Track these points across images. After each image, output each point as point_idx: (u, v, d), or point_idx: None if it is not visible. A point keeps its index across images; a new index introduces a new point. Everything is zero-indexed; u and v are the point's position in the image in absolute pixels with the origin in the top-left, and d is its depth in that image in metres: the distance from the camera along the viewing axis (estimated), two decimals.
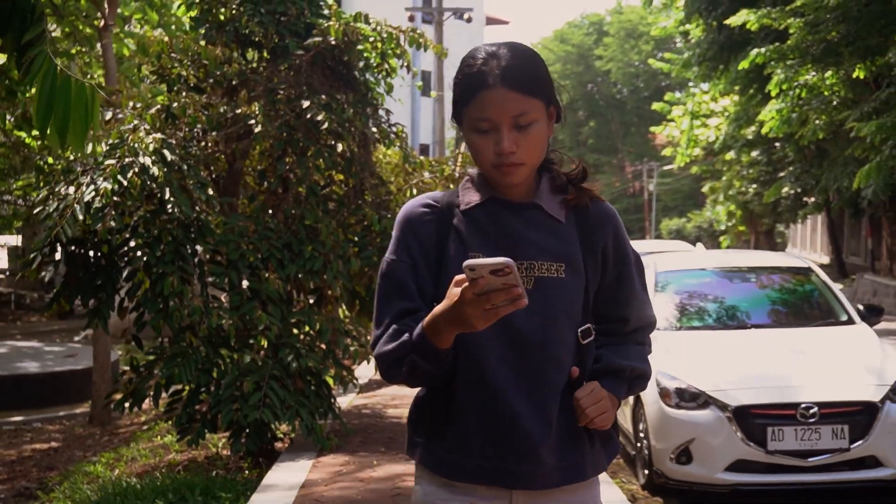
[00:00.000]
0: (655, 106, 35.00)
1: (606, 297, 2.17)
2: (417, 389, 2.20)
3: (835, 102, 18.44)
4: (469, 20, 27.12)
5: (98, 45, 11.92)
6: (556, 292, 2.08)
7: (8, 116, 15.40)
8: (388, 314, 2.08)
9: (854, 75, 16.78)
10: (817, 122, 18.79)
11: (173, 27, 13.05)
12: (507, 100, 2.00)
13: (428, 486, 2.16)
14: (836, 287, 7.62)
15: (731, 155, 31.38)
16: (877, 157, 16.49)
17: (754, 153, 29.91)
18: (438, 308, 1.92)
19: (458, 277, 1.86)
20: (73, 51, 13.53)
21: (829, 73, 17.56)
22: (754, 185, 31.50)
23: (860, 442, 5.92)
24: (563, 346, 2.08)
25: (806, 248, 41.84)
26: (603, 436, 2.17)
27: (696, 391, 6.15)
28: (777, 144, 27.49)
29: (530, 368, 2.06)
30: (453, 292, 1.86)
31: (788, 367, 6.39)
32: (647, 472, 6.46)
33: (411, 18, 27.64)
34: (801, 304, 7.56)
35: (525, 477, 2.07)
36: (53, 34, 12.48)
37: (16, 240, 30.22)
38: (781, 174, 28.65)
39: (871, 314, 7.26)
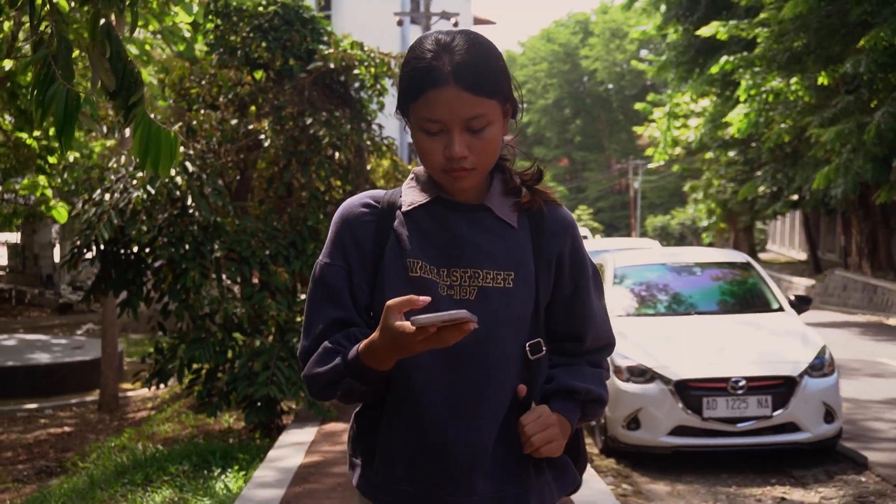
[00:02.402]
0: (638, 106, 35.85)
1: (560, 313, 1.96)
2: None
3: (799, 107, 19.46)
4: (456, 24, 28.02)
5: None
6: (502, 304, 1.88)
7: (8, 118, 16.20)
8: (319, 323, 1.90)
9: (819, 82, 17.82)
10: (782, 126, 19.82)
11: (171, 32, 13.87)
12: (460, 101, 1.79)
13: None
14: (770, 279, 8.68)
15: (710, 154, 32.26)
16: (836, 160, 17.54)
17: (731, 153, 30.79)
18: (378, 339, 1.75)
19: (393, 302, 1.71)
20: (75, 54, 14.24)
21: (794, 80, 18.59)
22: (732, 184, 32.25)
23: (781, 410, 6.97)
24: (507, 363, 1.87)
25: (785, 244, 42.74)
26: (555, 464, 1.97)
27: (644, 368, 7.18)
28: (753, 145, 28.40)
29: (466, 386, 1.85)
30: (394, 332, 1.70)
31: (723, 347, 7.44)
32: (603, 437, 7.50)
33: (400, 23, 28.58)
34: (739, 294, 8.61)
35: None
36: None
37: (16, 237, 30.95)
38: (758, 173, 29.55)
39: (800, 304, 8.31)
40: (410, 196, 1.94)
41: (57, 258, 32.20)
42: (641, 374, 7.18)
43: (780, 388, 7.01)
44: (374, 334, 1.76)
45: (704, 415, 6.97)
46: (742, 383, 6.95)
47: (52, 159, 17.73)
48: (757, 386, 6.98)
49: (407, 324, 1.66)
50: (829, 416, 7.11)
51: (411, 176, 1.99)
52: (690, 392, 7.02)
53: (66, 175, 18.69)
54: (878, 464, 7.08)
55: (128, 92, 3.36)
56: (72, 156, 17.81)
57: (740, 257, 9.11)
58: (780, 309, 8.19)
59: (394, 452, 1.88)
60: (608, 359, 2.09)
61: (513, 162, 2.00)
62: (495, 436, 1.86)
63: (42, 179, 18.67)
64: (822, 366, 7.20)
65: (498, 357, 1.86)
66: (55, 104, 3.02)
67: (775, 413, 6.96)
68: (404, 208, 1.92)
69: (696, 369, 7.11)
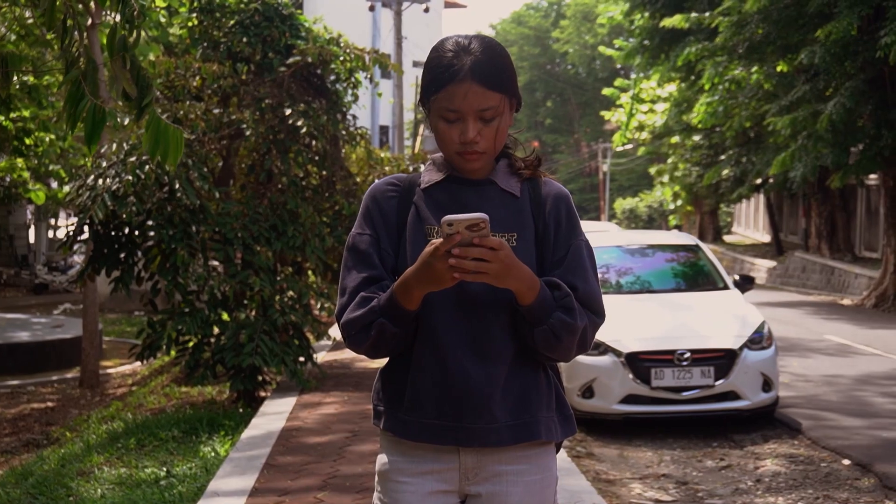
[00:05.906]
0: (606, 91, 36.40)
1: (556, 269, 2.18)
2: (383, 361, 2.27)
3: (759, 95, 20.14)
4: (426, 10, 28.47)
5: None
6: None
7: None
8: (353, 282, 2.17)
9: (778, 69, 18.45)
10: (743, 113, 20.50)
11: (148, 20, 14.19)
12: (475, 94, 2.09)
13: (387, 450, 2.25)
14: (717, 260, 9.36)
15: (675, 139, 32.89)
16: (792, 146, 18.24)
17: (696, 137, 31.43)
18: (410, 268, 2.04)
19: (433, 241, 1.99)
20: (49, 36, 14.29)
21: (754, 69, 19.23)
22: (697, 168, 32.93)
23: (722, 380, 7.64)
24: (514, 310, 2.11)
25: (750, 227, 43.55)
26: (562, 408, 2.26)
27: (598, 342, 7.80)
28: (717, 129, 29.04)
29: (481, 330, 2.12)
30: (427, 250, 1.99)
31: (670, 322, 8.10)
32: None
33: (371, 8, 28.94)
34: (688, 274, 9.28)
35: (476, 434, 2.12)
36: (35, 31, 13.41)
37: None
38: (722, 157, 30.24)
39: (744, 283, 8.98)
40: (428, 176, 2.25)
41: (32, 239, 32.50)
42: (595, 346, 7.80)
43: (722, 360, 7.67)
44: (408, 269, 2.06)
45: (652, 384, 7.61)
46: (687, 355, 7.60)
47: (28, 141, 18.06)
48: (700, 358, 7.64)
49: (438, 240, 1.97)
50: (767, 385, 7.78)
51: (430, 161, 2.30)
52: (640, 363, 7.66)
53: (43, 158, 19.02)
54: (810, 429, 7.75)
55: (141, 95, 3.92)
56: (48, 137, 18.13)
57: (690, 240, 9.78)
58: (726, 287, 8.86)
59: (422, 392, 2.15)
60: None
61: (514, 150, 2.30)
62: (507, 372, 2.14)
63: (20, 162, 19.01)
64: (760, 339, 7.87)
65: (505, 303, 2.10)
66: (86, 117, 3.59)
67: (717, 382, 7.62)
68: (422, 185, 2.23)
69: (645, 342, 7.75)
